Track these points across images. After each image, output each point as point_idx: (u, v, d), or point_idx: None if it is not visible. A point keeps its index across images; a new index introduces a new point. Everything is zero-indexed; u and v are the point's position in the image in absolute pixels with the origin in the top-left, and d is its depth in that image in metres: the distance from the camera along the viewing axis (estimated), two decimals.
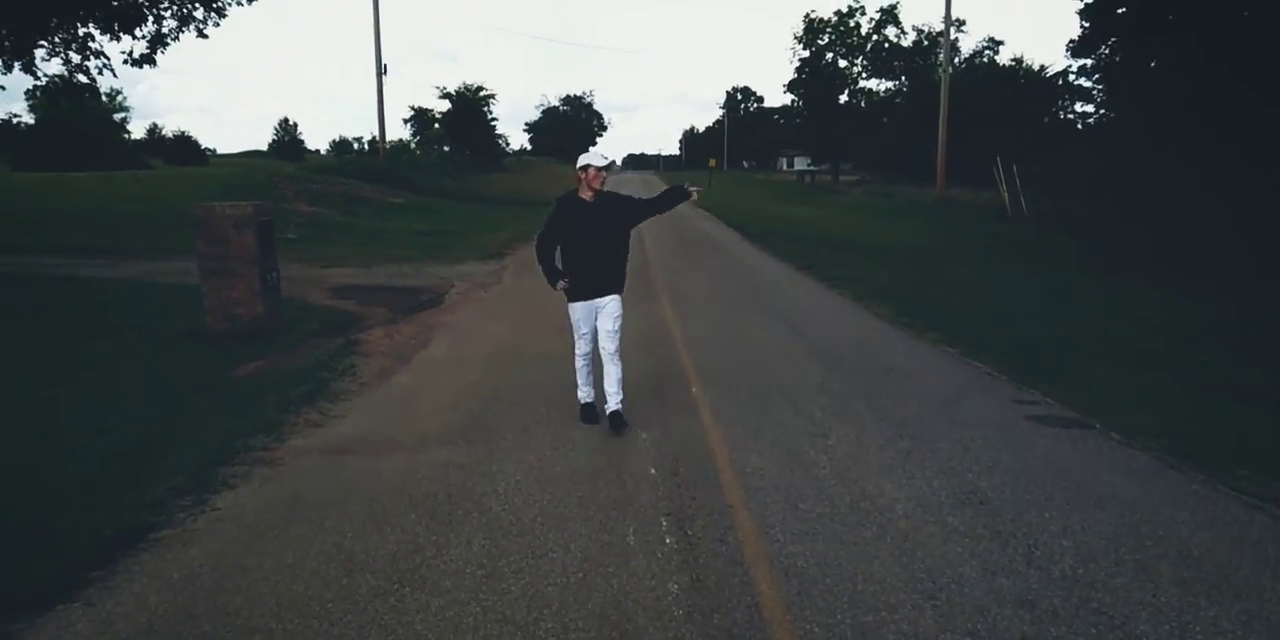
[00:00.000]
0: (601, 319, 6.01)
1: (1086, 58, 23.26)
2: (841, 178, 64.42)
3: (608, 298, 6.00)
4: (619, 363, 6.03)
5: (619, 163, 18.59)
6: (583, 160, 5.88)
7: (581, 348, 6.19)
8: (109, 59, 15.48)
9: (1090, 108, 37.39)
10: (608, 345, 5.98)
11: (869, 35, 61.71)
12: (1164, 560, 3.91)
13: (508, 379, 7.53)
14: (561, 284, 6.00)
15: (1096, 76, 25.12)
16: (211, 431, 6.00)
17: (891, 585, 3.69)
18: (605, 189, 6.01)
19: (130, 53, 15.34)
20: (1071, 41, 23.83)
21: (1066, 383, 7.25)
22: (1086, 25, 22.19)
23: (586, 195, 5.92)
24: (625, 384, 6.10)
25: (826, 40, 63.40)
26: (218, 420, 6.27)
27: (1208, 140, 16.37)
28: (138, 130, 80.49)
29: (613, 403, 6.01)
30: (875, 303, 11.66)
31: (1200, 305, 12.02)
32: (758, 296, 12.56)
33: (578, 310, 6.08)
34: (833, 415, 6.28)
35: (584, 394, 6.29)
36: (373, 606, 3.58)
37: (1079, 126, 41.31)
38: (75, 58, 15.05)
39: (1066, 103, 47.66)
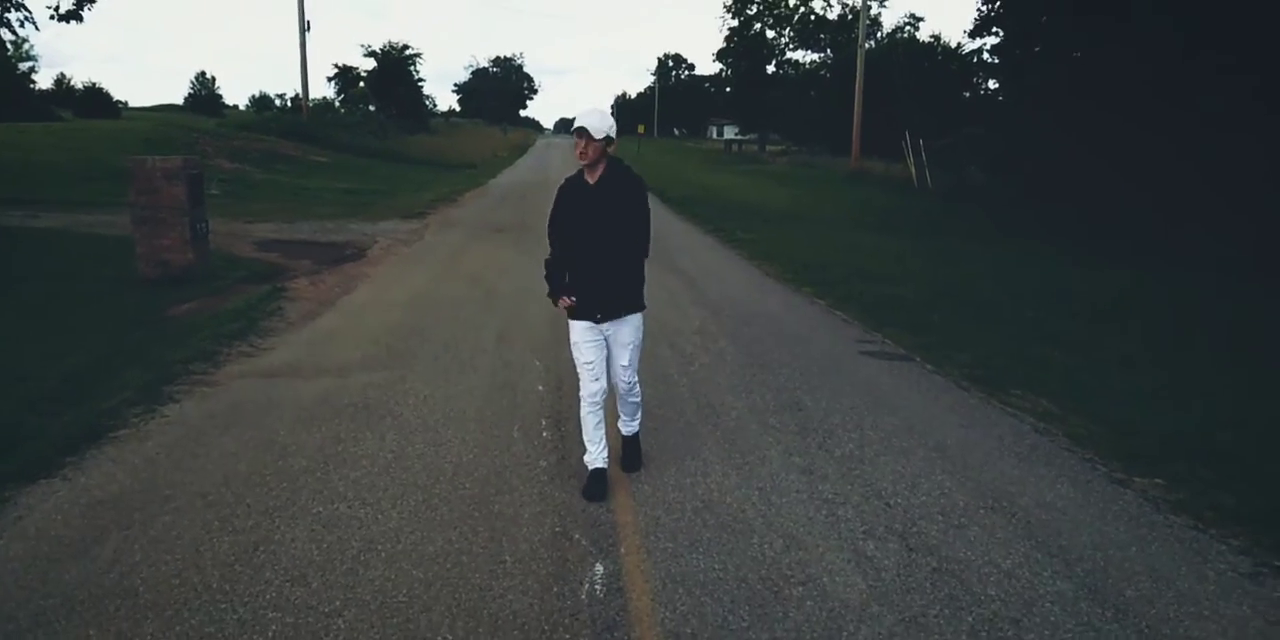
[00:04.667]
0: (615, 350, 4.42)
1: (982, 38, 24.73)
2: (768, 148, 65.92)
3: (622, 320, 4.37)
4: (639, 396, 4.65)
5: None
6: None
7: (588, 386, 4.39)
8: (31, 12, 15.49)
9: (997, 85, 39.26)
10: (620, 384, 4.52)
11: (796, 7, 62.94)
12: (921, 447, 5.11)
13: (423, 320, 8.41)
14: (565, 302, 4.37)
15: (995, 57, 26.60)
16: (153, 359, 6.77)
17: (709, 460, 4.81)
18: (611, 166, 4.27)
19: (56, 8, 15.37)
20: (976, 19, 25.29)
21: (908, 328, 8.48)
22: (984, 8, 23.63)
23: (586, 175, 4.29)
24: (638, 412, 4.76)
25: (755, 10, 64.43)
26: (158, 350, 7.03)
27: (1089, 120, 17.88)
28: (44, 80, 76.99)
29: (628, 428, 4.70)
30: (766, 262, 12.83)
31: (1068, 271, 13.38)
32: (661, 254, 13.55)
33: (579, 333, 4.38)
34: (701, 349, 7.38)
35: (592, 455, 4.42)
36: (302, 478, 4.52)
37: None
38: None
39: (980, 80, 49.79)
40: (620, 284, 4.33)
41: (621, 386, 4.54)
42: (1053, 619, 3.28)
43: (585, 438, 4.44)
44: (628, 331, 4.39)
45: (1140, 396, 6.32)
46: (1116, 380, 6.82)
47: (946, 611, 3.32)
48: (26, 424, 5.20)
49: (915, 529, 4.02)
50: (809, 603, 3.36)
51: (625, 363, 4.43)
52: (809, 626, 3.20)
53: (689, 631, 3.16)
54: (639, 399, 4.65)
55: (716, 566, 3.63)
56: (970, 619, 3.27)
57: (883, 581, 3.54)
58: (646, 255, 4.45)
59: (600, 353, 4.39)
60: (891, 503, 4.30)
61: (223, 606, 3.28)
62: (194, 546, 3.75)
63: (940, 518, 4.14)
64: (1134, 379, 6.82)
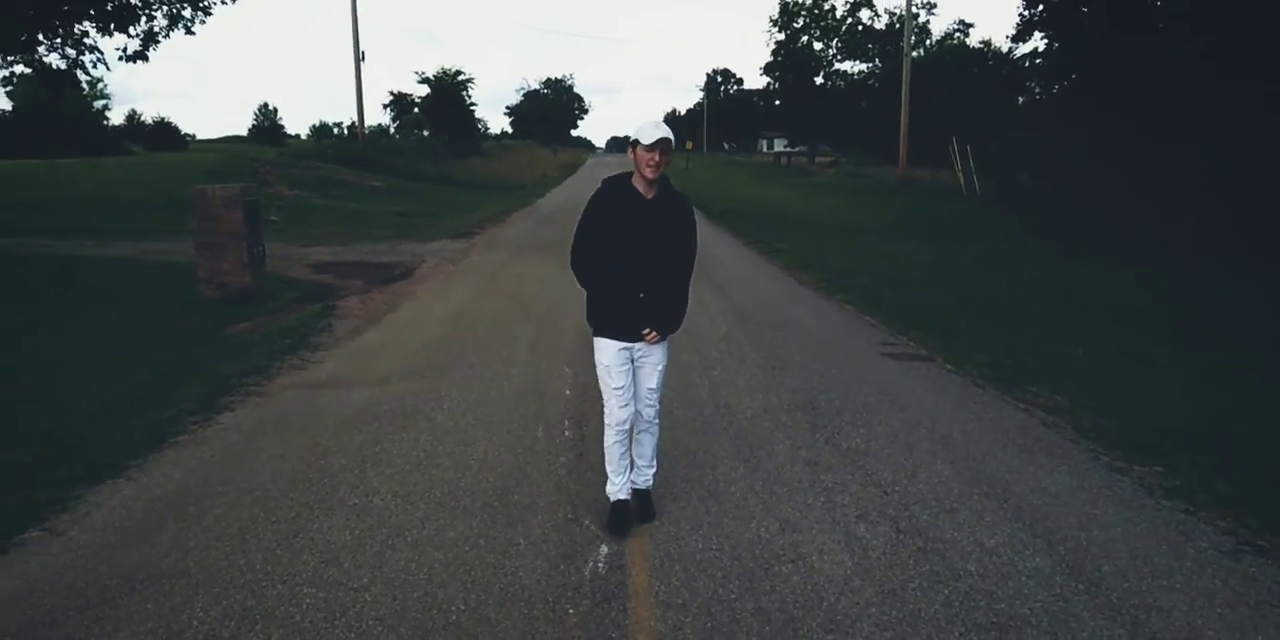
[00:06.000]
0: (641, 373, 4.21)
1: (1024, 42, 24.58)
2: (818, 159, 65.83)
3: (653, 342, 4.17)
4: (657, 431, 4.38)
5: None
6: (633, 134, 3.97)
7: (616, 413, 4.19)
8: (102, 53, 16.62)
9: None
10: (645, 409, 4.26)
11: (843, 18, 62.95)
12: (927, 440, 5.30)
13: (462, 335, 8.82)
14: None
15: (1039, 61, 26.41)
16: (211, 373, 7.28)
17: (720, 455, 5.07)
18: (663, 181, 4.08)
19: (124, 49, 16.46)
20: (1018, 23, 25.19)
21: (934, 332, 8.62)
22: (1026, 13, 23.51)
23: (642, 187, 4.05)
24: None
25: (801, 23, 64.64)
26: (216, 364, 7.55)
27: (1128, 127, 17.72)
28: (116, 116, 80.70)
29: (641, 478, 4.35)
30: (802, 271, 13.03)
31: (1100, 276, 13.32)
32: (697, 266, 13.86)
33: (608, 353, 4.16)
34: (725, 354, 7.64)
35: (615, 486, 4.29)
36: (341, 475, 4.91)
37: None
38: (71, 53, 16.20)
39: (1031, 85, 49.18)
40: (664, 302, 4.14)
41: (647, 414, 4.26)
42: (1026, 591, 3.47)
43: (609, 468, 4.28)
44: (659, 352, 4.21)
45: (1154, 392, 6.40)
46: (1133, 377, 6.90)
47: (925, 585, 3.53)
48: (96, 431, 5.69)
49: (908, 514, 4.23)
50: (796, 578, 3.60)
51: (653, 385, 4.23)
52: (793, 598, 3.45)
53: (680, 602, 3.43)
54: (658, 435, 4.37)
55: (714, 547, 3.90)
56: (946, 591, 3.48)
57: (868, 559, 3.76)
58: (690, 274, 4.32)
59: (629, 377, 4.17)
60: (889, 490, 4.52)
61: (264, 584, 3.64)
62: (241, 534, 4.14)
63: (934, 503, 4.35)
64: (1151, 376, 6.90)
